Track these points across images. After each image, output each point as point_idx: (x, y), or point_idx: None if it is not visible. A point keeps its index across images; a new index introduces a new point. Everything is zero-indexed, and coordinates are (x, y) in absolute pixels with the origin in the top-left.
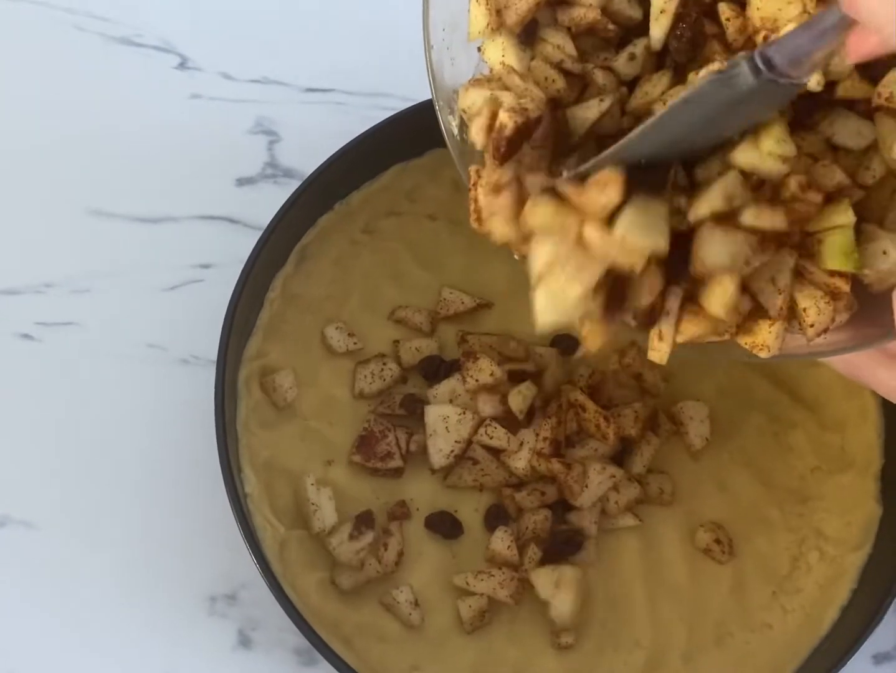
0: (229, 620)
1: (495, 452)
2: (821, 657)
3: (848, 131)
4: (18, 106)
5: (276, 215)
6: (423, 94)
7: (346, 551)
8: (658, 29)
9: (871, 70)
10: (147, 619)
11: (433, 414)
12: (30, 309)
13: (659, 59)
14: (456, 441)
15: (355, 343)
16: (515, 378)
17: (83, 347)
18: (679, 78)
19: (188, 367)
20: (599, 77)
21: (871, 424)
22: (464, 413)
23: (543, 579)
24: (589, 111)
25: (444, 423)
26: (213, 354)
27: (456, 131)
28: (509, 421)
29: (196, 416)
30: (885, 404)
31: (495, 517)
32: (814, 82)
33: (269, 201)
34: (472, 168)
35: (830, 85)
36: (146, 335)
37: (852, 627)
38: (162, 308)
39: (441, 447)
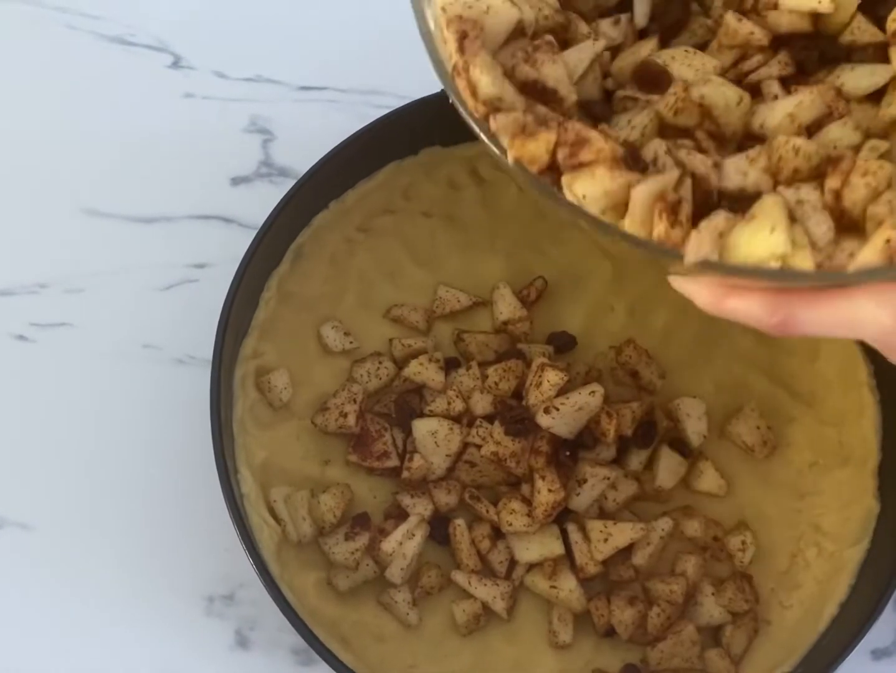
0: (227, 621)
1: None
2: (819, 653)
3: (857, 75)
4: (9, 106)
5: (271, 214)
6: (418, 91)
7: (341, 552)
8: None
9: (875, 11)
10: (144, 619)
11: (421, 429)
12: (24, 310)
13: (642, 35)
14: (447, 455)
15: (351, 342)
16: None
17: (78, 347)
18: (665, 44)
19: (184, 367)
20: (583, 26)
21: (868, 419)
22: (452, 428)
23: None
24: (583, 52)
25: (433, 438)
26: (209, 353)
27: (433, 26)
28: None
29: (192, 416)
30: (882, 399)
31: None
32: (826, 3)
33: (263, 200)
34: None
35: (832, 38)
36: (141, 335)
37: (851, 623)
38: (157, 308)
39: (432, 461)
